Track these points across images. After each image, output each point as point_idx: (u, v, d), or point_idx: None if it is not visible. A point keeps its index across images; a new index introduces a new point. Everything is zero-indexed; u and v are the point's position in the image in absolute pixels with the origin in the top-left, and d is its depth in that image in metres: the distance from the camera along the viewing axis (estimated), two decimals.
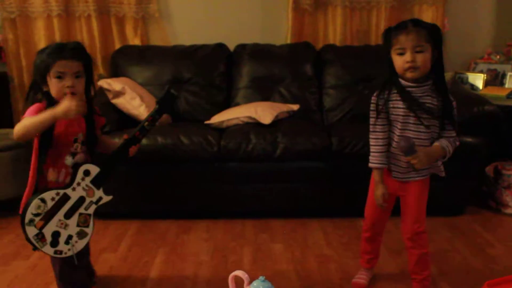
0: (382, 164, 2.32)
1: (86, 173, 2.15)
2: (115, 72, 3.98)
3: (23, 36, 4.04)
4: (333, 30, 4.24)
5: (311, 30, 4.24)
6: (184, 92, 3.90)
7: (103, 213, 3.42)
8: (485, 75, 4.09)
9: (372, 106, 2.28)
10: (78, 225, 2.15)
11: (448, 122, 2.22)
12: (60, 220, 2.10)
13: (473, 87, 4.06)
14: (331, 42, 4.22)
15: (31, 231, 2.06)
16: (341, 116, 3.85)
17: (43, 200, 2.05)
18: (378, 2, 4.20)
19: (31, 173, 2.10)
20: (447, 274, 2.68)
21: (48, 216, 2.07)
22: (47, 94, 2.11)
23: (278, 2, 4.22)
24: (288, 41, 4.19)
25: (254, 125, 3.39)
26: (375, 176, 2.37)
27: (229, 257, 2.90)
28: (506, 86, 4.01)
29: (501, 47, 4.33)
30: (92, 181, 2.18)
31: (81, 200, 2.15)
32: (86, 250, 2.42)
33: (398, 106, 2.21)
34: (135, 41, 4.16)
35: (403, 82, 2.19)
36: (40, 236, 2.07)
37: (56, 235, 2.10)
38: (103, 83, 3.58)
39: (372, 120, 2.29)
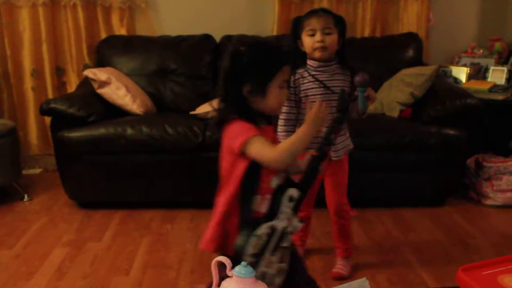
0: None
1: (290, 198, 1.73)
2: (100, 62, 3.97)
3: (7, 25, 4.00)
4: None
5: None
6: (170, 82, 3.91)
7: (88, 203, 3.47)
8: (469, 68, 4.13)
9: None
10: (278, 262, 1.73)
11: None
12: (267, 258, 1.68)
13: (456, 80, 4.11)
14: None
15: None
16: None
17: (259, 238, 1.64)
18: None
19: (226, 203, 1.71)
20: (428, 264, 2.73)
21: (258, 256, 1.66)
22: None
23: None
24: (275, 33, 4.20)
25: None
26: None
27: None
28: (489, 79, 4.05)
29: (484, 42, 4.37)
30: (293, 208, 1.75)
31: (284, 231, 1.72)
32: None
33: (311, 87, 2.35)
34: (121, 31, 4.15)
35: (312, 62, 2.37)
36: None
37: (262, 276, 1.66)
38: (89, 72, 3.57)
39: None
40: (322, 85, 2.34)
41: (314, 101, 2.08)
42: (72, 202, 3.52)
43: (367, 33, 4.26)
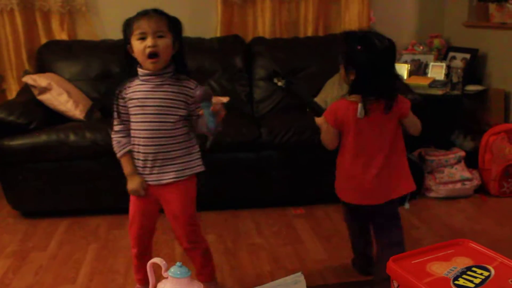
0: (124, 150, 2.18)
1: None
2: (41, 68, 3.87)
3: None
4: (262, 23, 4.28)
5: (240, 23, 4.27)
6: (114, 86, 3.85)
7: (32, 212, 3.39)
8: (409, 65, 4.23)
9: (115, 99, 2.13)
10: None
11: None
12: None
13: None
14: (261, 34, 4.26)
15: None
16: (271, 107, 3.91)
17: None
18: None
19: None
20: (374, 257, 2.77)
21: None
22: None
23: None
24: (218, 34, 4.20)
25: None
26: (124, 167, 2.23)
27: (161, 250, 2.89)
28: (429, 75, 4.16)
29: (424, 39, 4.50)
30: None
31: None
32: None
33: (135, 97, 2.07)
34: (62, 36, 4.07)
35: (141, 70, 2.06)
36: None
37: None
38: (28, 79, 3.48)
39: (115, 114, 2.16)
40: (137, 99, 2.06)
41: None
42: (16, 212, 3.43)
43: (310, 32, 4.31)
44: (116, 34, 4.07)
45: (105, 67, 3.88)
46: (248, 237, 3.07)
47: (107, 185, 3.32)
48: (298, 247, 2.93)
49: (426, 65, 4.24)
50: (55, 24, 4.07)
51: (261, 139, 3.30)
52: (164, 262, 1.24)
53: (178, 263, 1.23)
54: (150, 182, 2.16)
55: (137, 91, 2.07)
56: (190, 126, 2.15)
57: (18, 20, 3.93)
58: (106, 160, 3.25)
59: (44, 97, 3.48)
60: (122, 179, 3.29)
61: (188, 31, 4.00)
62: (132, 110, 2.08)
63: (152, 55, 1.98)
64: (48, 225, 3.28)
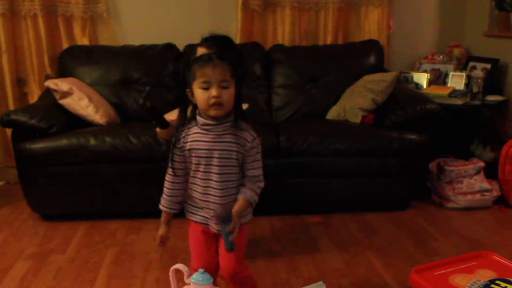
0: (171, 209, 2.14)
1: None
2: (62, 72, 3.92)
3: None
4: (282, 30, 4.29)
5: (260, 30, 4.29)
6: (133, 92, 3.88)
7: (52, 215, 3.42)
8: (429, 74, 4.21)
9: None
10: None
11: (252, 161, 2.04)
12: None
13: (417, 86, 4.18)
14: (280, 42, 4.27)
15: None
16: (290, 115, 3.91)
17: None
18: (326, 3, 4.26)
19: None
20: (392, 267, 2.76)
21: None
22: None
23: (227, 2, 4.24)
24: (238, 41, 4.21)
25: None
26: (162, 216, 2.18)
27: (178, 256, 2.90)
28: (449, 85, 4.13)
29: (444, 48, 4.47)
30: None
31: None
32: None
33: (197, 148, 1.99)
34: (84, 41, 4.11)
35: (202, 120, 1.97)
36: None
37: None
38: (50, 83, 3.52)
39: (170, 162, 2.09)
40: (201, 150, 1.98)
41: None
42: (35, 214, 3.46)
43: (329, 40, 4.31)
44: (136, 39, 4.16)
45: (126, 72, 3.92)
46: (266, 244, 3.07)
47: (126, 189, 3.35)
48: (315, 255, 2.92)
49: (446, 75, 4.21)
50: (76, 29, 4.11)
51: (279, 147, 3.30)
52: (186, 268, 1.25)
53: (200, 270, 1.23)
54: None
55: (199, 141, 1.99)
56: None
57: (41, 25, 3.98)
58: (126, 165, 3.31)
59: (65, 102, 3.51)
60: (141, 184, 3.34)
61: None
62: (194, 160, 2.01)
63: (217, 105, 1.90)
64: (67, 228, 3.31)
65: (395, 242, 3.09)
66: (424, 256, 2.90)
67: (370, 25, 4.35)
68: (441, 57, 4.36)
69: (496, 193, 3.59)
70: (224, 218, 1.86)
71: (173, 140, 2.04)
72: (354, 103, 3.68)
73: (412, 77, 4.25)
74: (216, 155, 1.97)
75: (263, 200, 3.38)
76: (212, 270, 2.11)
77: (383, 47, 4.19)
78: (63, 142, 3.25)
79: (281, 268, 2.78)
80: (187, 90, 1.98)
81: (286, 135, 3.36)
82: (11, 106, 4.00)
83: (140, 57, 3.98)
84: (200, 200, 2.05)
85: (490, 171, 3.66)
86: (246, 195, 2.02)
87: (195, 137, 1.99)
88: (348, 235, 3.19)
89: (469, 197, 3.54)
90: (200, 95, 1.91)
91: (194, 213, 2.10)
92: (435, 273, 1.16)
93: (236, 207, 1.96)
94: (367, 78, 3.80)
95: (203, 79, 1.89)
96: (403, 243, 3.08)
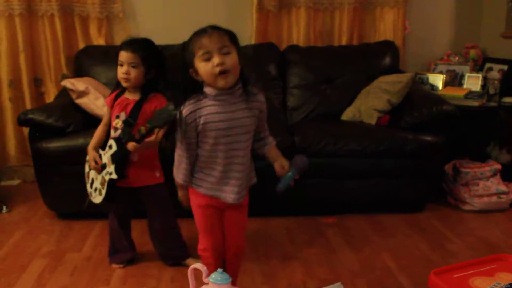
0: (188, 182, 2.14)
1: (110, 146, 2.53)
2: (79, 72, 3.95)
3: None
4: (297, 31, 4.29)
5: (275, 30, 4.29)
6: None
7: (68, 213, 3.44)
8: (445, 75, 4.19)
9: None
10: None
11: (265, 120, 2.12)
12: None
13: (433, 87, 4.16)
14: (295, 42, 4.27)
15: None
16: (305, 115, 3.91)
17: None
18: (341, 3, 4.26)
19: None
20: (407, 269, 2.75)
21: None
22: None
23: (242, 3, 4.26)
24: (253, 42, 4.23)
25: None
26: (178, 184, 2.18)
27: (194, 254, 2.90)
28: (465, 86, 4.11)
29: (459, 49, 4.45)
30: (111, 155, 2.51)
31: (104, 166, 2.58)
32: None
33: (214, 120, 1.96)
34: (100, 41, 4.14)
35: (212, 90, 1.95)
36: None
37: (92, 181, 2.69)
38: (67, 83, 3.56)
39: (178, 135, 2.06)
40: (218, 122, 1.96)
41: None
42: (52, 213, 3.49)
43: (344, 41, 4.31)
44: (152, 39, 4.16)
45: None
46: (280, 245, 3.07)
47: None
48: (330, 256, 2.92)
49: (462, 76, 4.19)
50: (92, 30, 4.14)
51: (294, 147, 3.30)
52: (205, 267, 1.25)
53: (219, 270, 1.24)
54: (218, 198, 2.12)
55: (215, 113, 1.95)
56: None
57: (58, 25, 4.02)
58: None
59: (82, 101, 3.54)
60: None
61: None
62: (212, 134, 1.98)
63: (223, 73, 1.88)
64: (82, 227, 3.33)
65: (410, 243, 3.08)
66: (439, 258, 2.88)
67: (386, 26, 4.34)
68: (457, 58, 4.34)
69: None
70: (300, 169, 2.07)
71: (182, 115, 1.97)
72: (370, 104, 3.67)
73: (427, 78, 4.23)
74: (237, 124, 1.97)
75: (277, 200, 3.41)
76: (221, 246, 2.23)
77: (398, 48, 4.18)
78: (79, 141, 3.27)
79: (296, 269, 2.78)
80: (191, 70, 1.95)
81: (301, 135, 3.36)
82: (28, 105, 4.04)
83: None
84: (221, 173, 2.05)
85: (507, 174, 3.65)
86: (274, 142, 2.21)
87: (210, 110, 1.95)
88: (363, 236, 3.18)
89: (485, 199, 3.52)
90: (203, 67, 1.89)
91: (205, 187, 2.10)
92: (455, 276, 1.16)
93: (278, 152, 2.18)
94: (383, 79, 3.79)
95: (202, 50, 1.88)
96: (418, 245, 3.06)
